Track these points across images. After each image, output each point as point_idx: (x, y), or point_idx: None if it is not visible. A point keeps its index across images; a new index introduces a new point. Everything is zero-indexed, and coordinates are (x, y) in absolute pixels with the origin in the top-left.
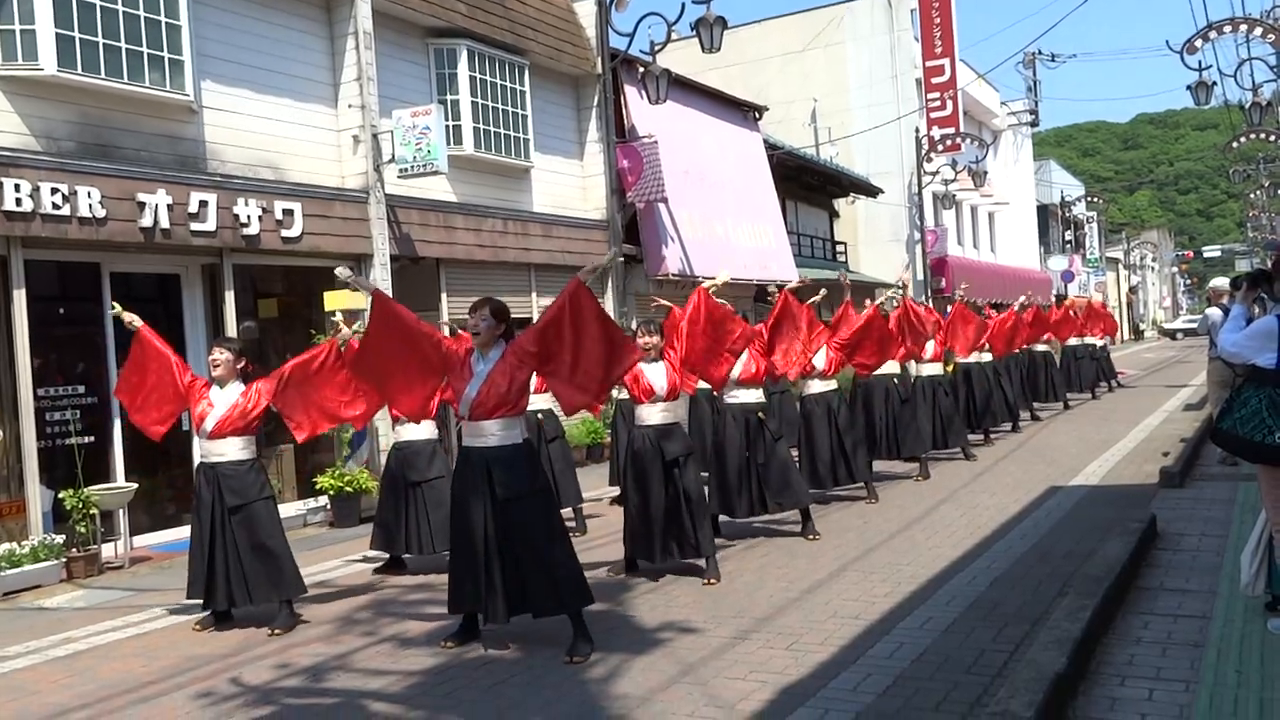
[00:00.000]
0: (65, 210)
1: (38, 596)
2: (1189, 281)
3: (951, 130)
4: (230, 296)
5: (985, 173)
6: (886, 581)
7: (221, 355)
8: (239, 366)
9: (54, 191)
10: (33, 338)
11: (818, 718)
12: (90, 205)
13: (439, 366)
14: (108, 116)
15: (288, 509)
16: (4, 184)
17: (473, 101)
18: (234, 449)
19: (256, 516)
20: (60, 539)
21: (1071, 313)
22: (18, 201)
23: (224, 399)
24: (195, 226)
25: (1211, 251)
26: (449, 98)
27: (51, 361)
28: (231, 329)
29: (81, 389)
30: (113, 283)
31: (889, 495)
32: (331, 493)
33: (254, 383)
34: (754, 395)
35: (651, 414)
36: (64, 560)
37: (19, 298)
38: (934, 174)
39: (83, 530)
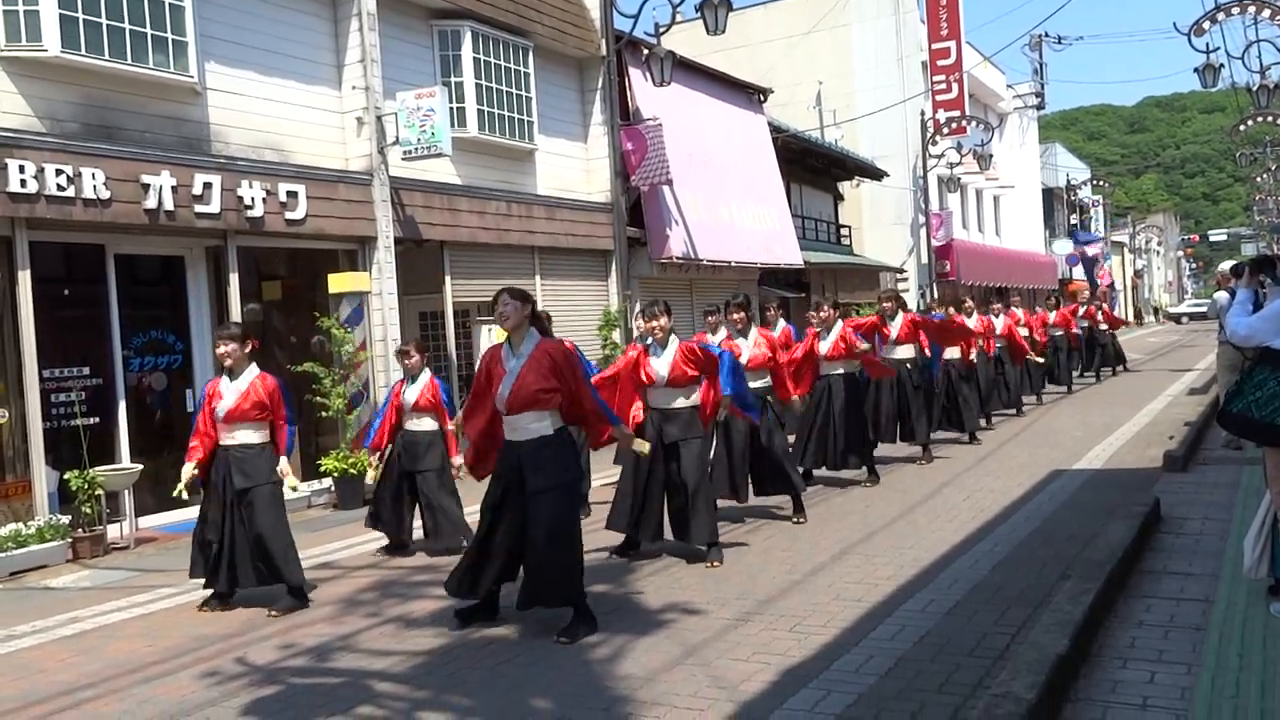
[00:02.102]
0: (70, 192)
1: (44, 576)
2: (1194, 265)
3: (957, 113)
4: (234, 279)
5: (990, 156)
6: (889, 564)
7: (228, 346)
8: (247, 351)
9: (58, 173)
10: (37, 319)
11: (820, 699)
12: (94, 187)
13: None
14: (111, 98)
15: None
16: (8, 165)
17: (476, 83)
18: (245, 434)
19: (261, 500)
20: (66, 519)
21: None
22: (22, 183)
23: (234, 388)
24: (199, 208)
25: (1218, 235)
26: (453, 80)
27: (56, 343)
28: (236, 311)
29: (86, 370)
30: (117, 265)
31: (891, 479)
32: (336, 475)
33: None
34: (761, 381)
35: (656, 398)
36: (70, 540)
37: (24, 279)
38: (939, 157)
39: (88, 511)
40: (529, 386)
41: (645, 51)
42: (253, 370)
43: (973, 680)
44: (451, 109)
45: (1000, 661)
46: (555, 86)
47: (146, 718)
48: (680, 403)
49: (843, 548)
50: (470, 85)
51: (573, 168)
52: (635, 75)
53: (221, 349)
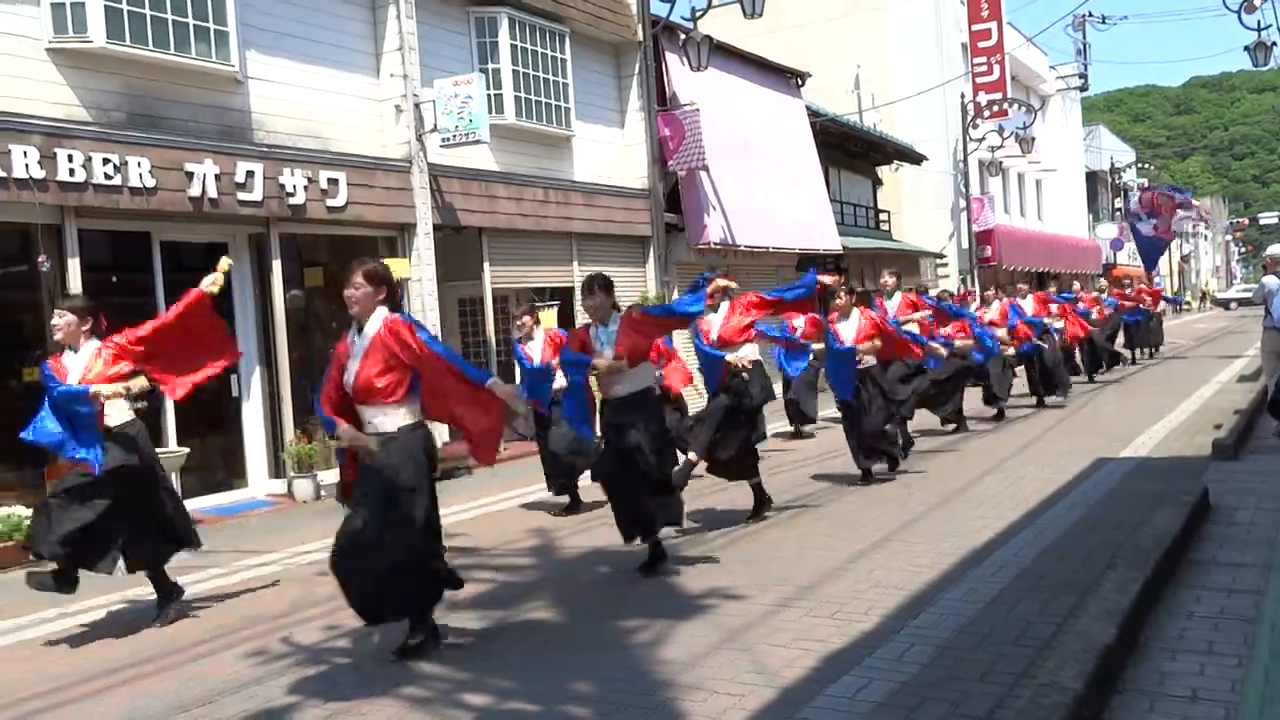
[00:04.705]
0: (116, 180)
1: None
2: (1243, 249)
3: (998, 95)
4: (277, 265)
5: (1033, 139)
6: (930, 552)
7: (60, 319)
8: (86, 328)
9: (105, 162)
10: None
11: (861, 687)
12: (140, 175)
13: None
14: (155, 87)
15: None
16: (57, 155)
17: (514, 70)
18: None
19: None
20: None
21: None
22: (71, 172)
23: (76, 362)
24: (242, 196)
25: (1268, 218)
26: (490, 66)
27: (105, 328)
28: (279, 298)
29: None
30: (162, 252)
31: (931, 466)
32: None
33: (108, 339)
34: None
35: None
36: None
37: (73, 266)
38: (980, 140)
39: None
40: (368, 369)
41: (682, 36)
42: (93, 345)
43: (1017, 669)
44: (489, 96)
45: (1044, 651)
46: (592, 72)
47: (194, 696)
48: (635, 386)
49: (883, 535)
50: (507, 72)
51: (610, 154)
52: (672, 60)
53: (54, 320)
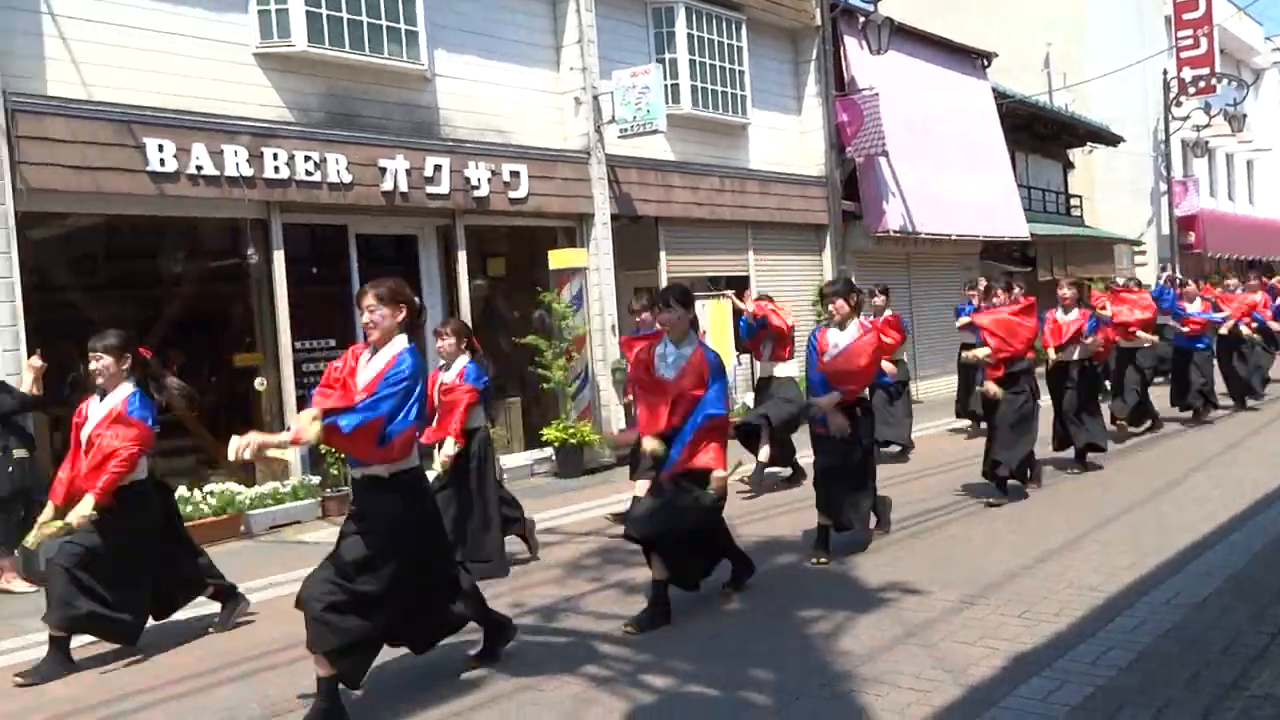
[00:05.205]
0: (316, 177)
1: (297, 532)
2: None
3: (1205, 70)
4: (462, 256)
5: (1244, 116)
6: (1128, 553)
7: (98, 363)
8: (125, 367)
9: (306, 159)
10: (290, 296)
11: (1053, 690)
12: (338, 171)
13: None
14: (352, 87)
15: (515, 459)
16: (264, 154)
17: (690, 59)
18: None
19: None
20: (316, 480)
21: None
22: (276, 170)
23: (98, 410)
24: (430, 189)
25: None
26: (667, 56)
27: (305, 317)
28: (464, 287)
29: (332, 342)
30: (357, 244)
31: (1130, 463)
32: (557, 444)
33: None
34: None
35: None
36: (320, 499)
37: (278, 258)
38: (1184, 119)
39: (335, 473)
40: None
41: (861, 19)
42: (127, 388)
43: (1226, 679)
44: (666, 86)
45: (1258, 662)
46: (768, 59)
47: (387, 666)
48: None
49: (1076, 534)
50: (684, 61)
51: (786, 141)
52: (850, 44)
53: (93, 365)
